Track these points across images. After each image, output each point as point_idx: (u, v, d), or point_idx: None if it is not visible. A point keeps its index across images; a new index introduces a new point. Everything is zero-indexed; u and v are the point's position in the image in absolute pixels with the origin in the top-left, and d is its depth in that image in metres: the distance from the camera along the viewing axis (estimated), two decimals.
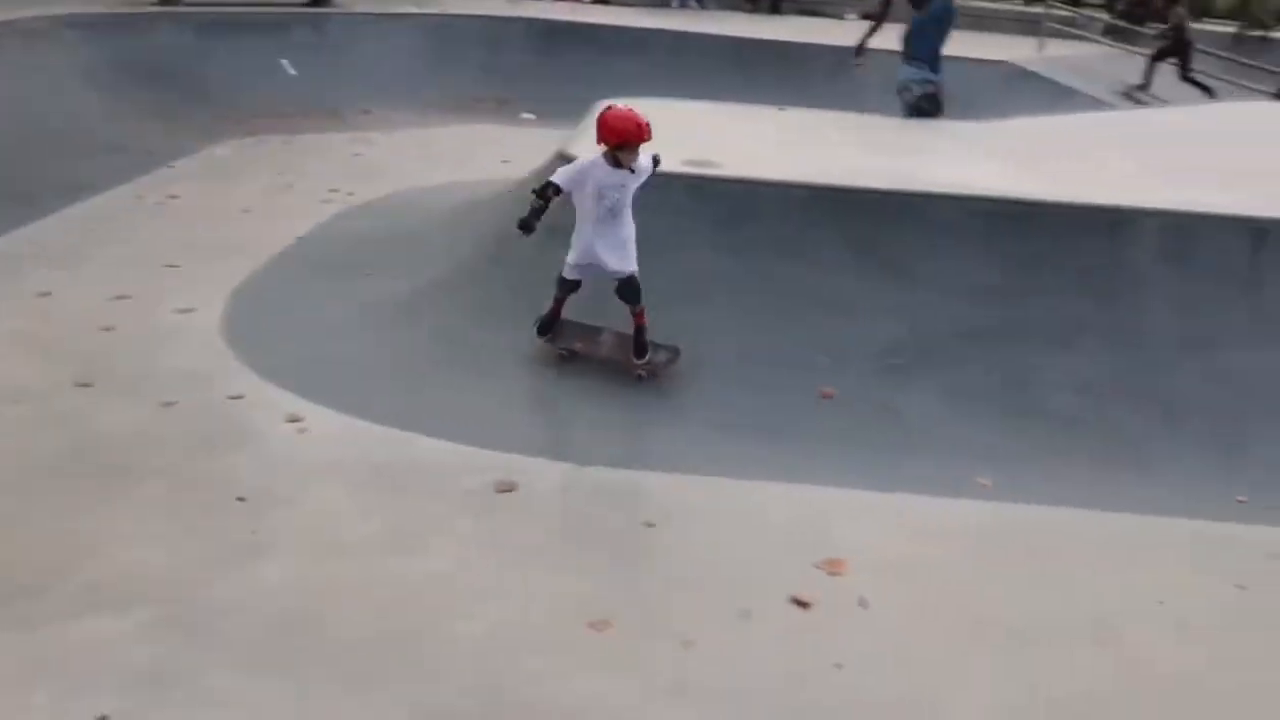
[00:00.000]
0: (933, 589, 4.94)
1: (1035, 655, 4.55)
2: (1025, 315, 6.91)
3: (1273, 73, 15.87)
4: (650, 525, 5.26)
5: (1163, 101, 15.38)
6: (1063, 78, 15.76)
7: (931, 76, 9.64)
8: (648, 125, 6.18)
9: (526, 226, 6.08)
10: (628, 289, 6.39)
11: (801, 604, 4.74)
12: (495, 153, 12.29)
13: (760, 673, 4.32)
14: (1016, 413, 6.45)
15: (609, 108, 6.29)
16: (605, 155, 6.25)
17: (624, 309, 6.49)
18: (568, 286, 6.53)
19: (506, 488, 5.46)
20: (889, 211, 7.26)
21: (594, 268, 6.36)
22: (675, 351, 6.56)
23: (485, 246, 7.88)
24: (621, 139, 6.18)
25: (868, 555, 5.12)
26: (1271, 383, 6.63)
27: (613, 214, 6.27)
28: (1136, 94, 15.84)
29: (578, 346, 6.68)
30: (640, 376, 6.47)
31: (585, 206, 6.28)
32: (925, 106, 9.66)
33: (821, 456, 5.97)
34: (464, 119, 15.12)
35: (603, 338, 6.69)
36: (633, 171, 6.27)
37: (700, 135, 8.61)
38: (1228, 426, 6.43)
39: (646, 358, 6.48)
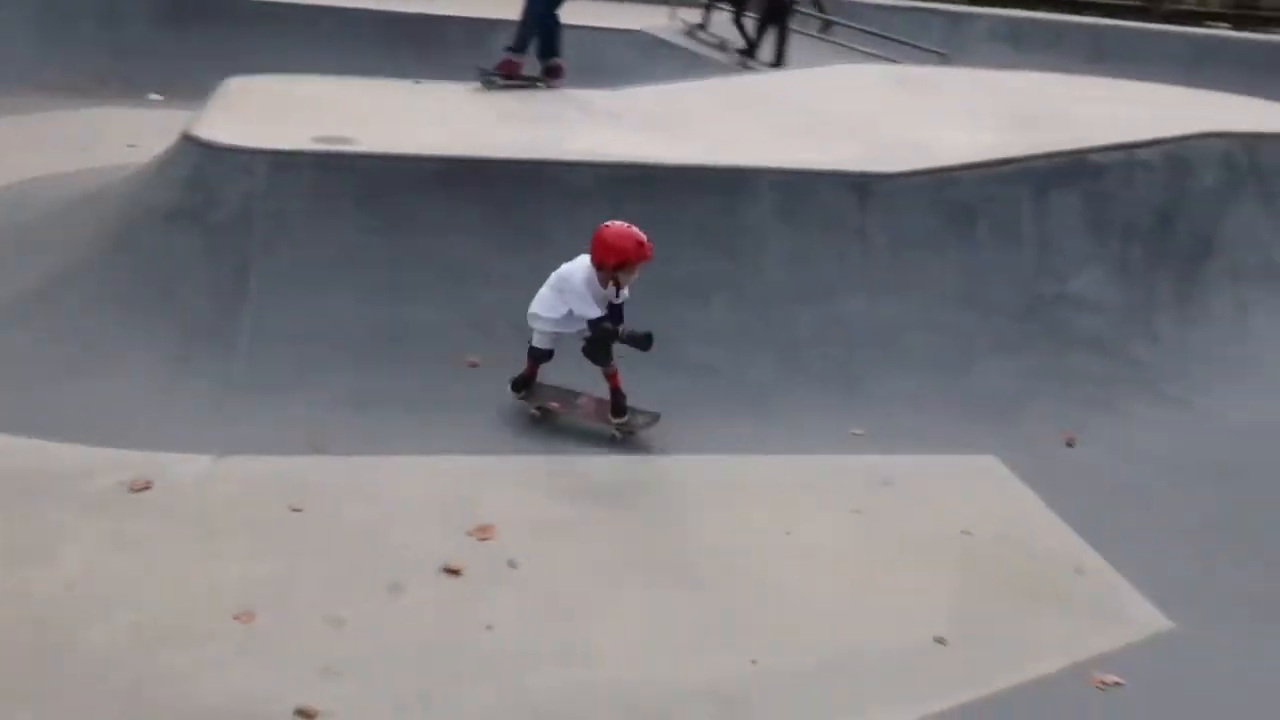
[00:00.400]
0: (578, 543, 5.14)
1: (675, 594, 4.83)
2: (660, 274, 7.19)
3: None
4: (295, 510, 5.18)
5: (721, 39, 16.13)
6: (693, 45, 16.40)
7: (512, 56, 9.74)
8: (649, 243, 5.91)
9: (635, 340, 5.95)
10: (594, 347, 6.07)
11: (452, 572, 4.83)
12: (121, 137, 11.56)
13: (411, 643, 4.38)
14: (654, 367, 6.73)
15: (605, 226, 5.93)
16: (600, 274, 5.94)
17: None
18: (540, 356, 6.27)
19: (141, 486, 5.25)
20: (524, 180, 7.40)
21: (562, 334, 6.14)
22: (655, 416, 6.23)
23: (108, 238, 7.46)
24: (622, 258, 5.88)
25: (516, 518, 5.26)
26: (878, 325, 7.22)
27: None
28: (697, 32, 16.55)
29: (553, 406, 6.34)
30: (615, 437, 6.15)
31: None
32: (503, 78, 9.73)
33: (468, 425, 6.07)
34: (85, 101, 14.14)
35: (580, 401, 6.36)
36: (619, 295, 6.03)
37: (336, 111, 8.48)
38: (842, 367, 6.98)
39: (625, 418, 6.15)
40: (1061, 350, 7.37)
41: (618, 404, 6.13)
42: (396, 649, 4.33)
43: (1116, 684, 4.46)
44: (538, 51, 9.95)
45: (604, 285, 5.98)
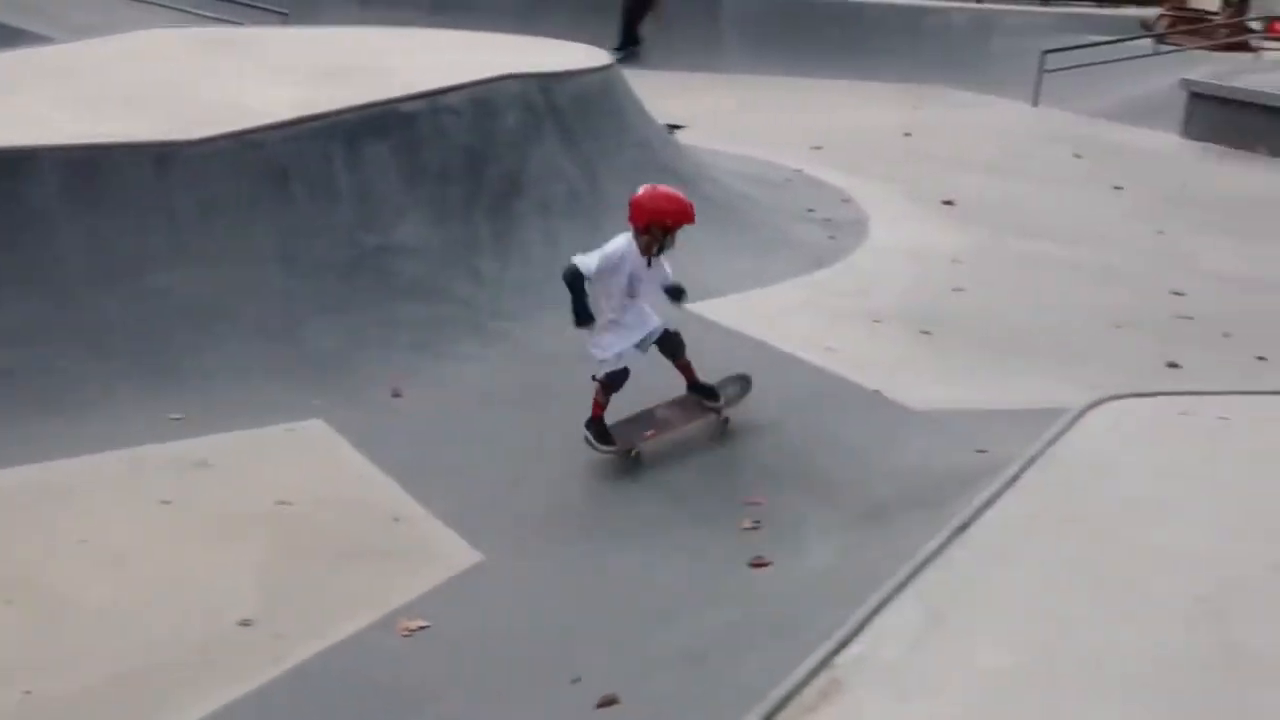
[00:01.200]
0: None
1: None
2: None
3: None
4: None
5: None
6: (7, 18, 14.81)
7: None
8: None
9: (587, 318, 5.67)
10: (671, 341, 5.87)
11: None
12: None
13: None
14: None
15: (649, 189, 5.70)
16: (639, 239, 5.63)
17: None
18: (619, 379, 5.76)
19: None
20: None
21: (643, 342, 5.80)
22: (747, 380, 6.13)
23: None
24: (678, 219, 5.62)
25: None
26: (193, 299, 6.86)
27: (635, 294, 5.73)
28: None
29: (647, 435, 5.89)
30: (726, 421, 6.02)
31: (612, 294, 5.71)
32: None
33: None
34: None
35: (659, 415, 6.00)
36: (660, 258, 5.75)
37: None
38: (157, 348, 6.57)
39: (719, 399, 6.00)
40: (389, 300, 7.40)
41: (707, 388, 6.00)
42: None
43: (422, 628, 4.53)
44: None
45: (645, 252, 5.67)
